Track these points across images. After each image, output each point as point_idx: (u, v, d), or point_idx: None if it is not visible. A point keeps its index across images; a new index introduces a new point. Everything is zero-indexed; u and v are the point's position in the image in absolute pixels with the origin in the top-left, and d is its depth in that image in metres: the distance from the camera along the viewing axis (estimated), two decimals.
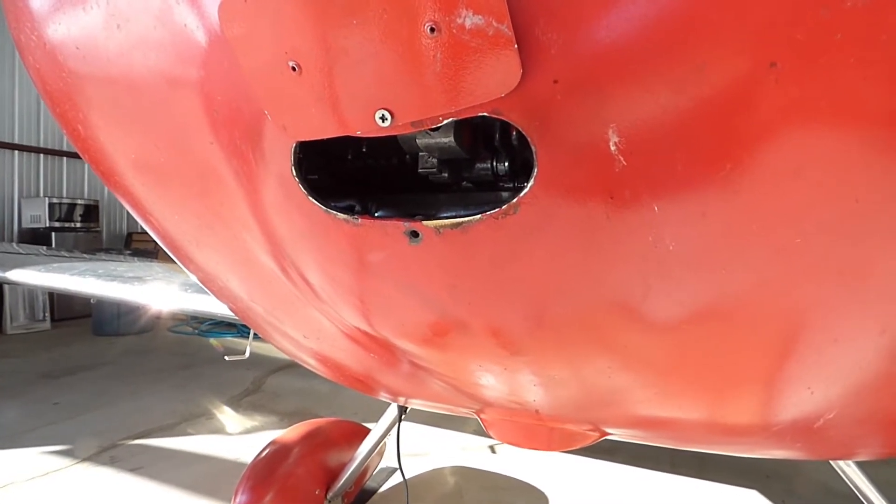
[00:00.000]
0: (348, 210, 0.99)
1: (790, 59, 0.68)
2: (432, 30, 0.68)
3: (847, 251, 0.88)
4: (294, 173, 0.96)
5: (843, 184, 0.79)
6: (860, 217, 0.82)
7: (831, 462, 2.51)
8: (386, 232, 0.95)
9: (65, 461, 4.13)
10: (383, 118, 0.76)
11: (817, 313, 1.01)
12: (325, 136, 0.83)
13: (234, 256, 1.35)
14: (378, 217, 0.97)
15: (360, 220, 0.96)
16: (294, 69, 0.77)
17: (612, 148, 0.77)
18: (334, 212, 0.97)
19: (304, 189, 0.97)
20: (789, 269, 0.91)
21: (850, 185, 0.79)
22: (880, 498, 2.44)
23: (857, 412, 1.28)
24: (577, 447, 1.67)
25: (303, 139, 0.88)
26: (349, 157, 1.13)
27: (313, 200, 0.97)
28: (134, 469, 4.01)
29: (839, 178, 0.78)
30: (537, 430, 1.65)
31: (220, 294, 1.67)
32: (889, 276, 0.92)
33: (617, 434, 1.66)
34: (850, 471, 2.47)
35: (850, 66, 0.68)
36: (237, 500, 2.93)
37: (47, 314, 9.85)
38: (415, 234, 0.93)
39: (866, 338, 1.04)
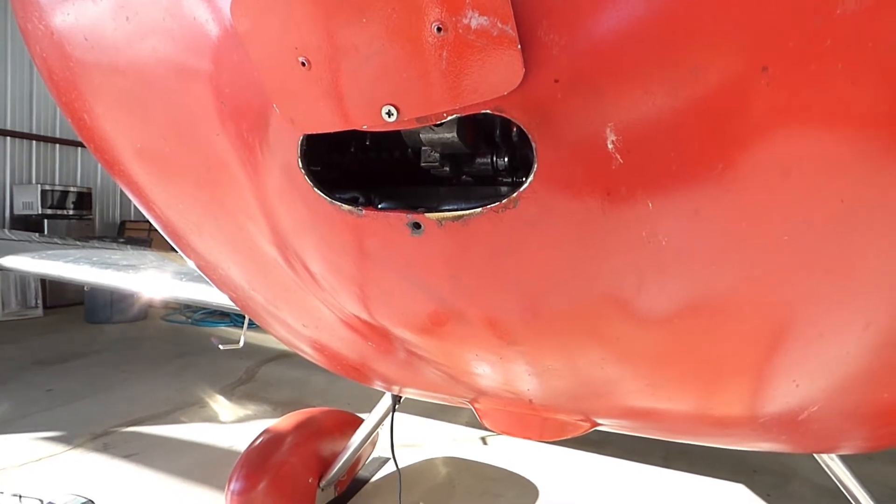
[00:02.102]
0: (352, 202, 1.02)
1: (782, 64, 0.71)
2: (439, 29, 0.71)
3: (833, 248, 0.91)
4: (300, 165, 0.98)
5: (829, 184, 0.82)
6: (846, 216, 0.86)
7: (816, 457, 2.55)
8: (389, 223, 0.98)
9: (58, 447, 4.13)
10: (389, 113, 0.79)
11: (804, 308, 1.04)
12: (332, 130, 0.85)
13: (236, 245, 1.37)
14: (381, 209, 1.00)
15: (363, 211, 0.99)
16: (303, 64, 0.79)
17: (610, 146, 0.80)
18: (339, 203, 1.00)
19: (310, 181, 0.99)
20: (777, 266, 0.94)
21: (837, 186, 0.82)
22: (864, 493, 2.48)
23: (840, 406, 1.32)
24: (569, 437, 1.70)
25: (310, 132, 0.91)
26: (353, 149, 1.15)
27: (318, 192, 1.00)
28: (127, 456, 4.02)
29: (826, 178, 0.81)
30: (530, 420, 1.68)
31: (221, 283, 1.69)
32: (873, 272, 0.95)
33: (608, 425, 1.70)
34: (834, 465, 2.50)
35: (838, 71, 0.71)
36: (231, 487, 2.95)
37: (39, 301, 9.82)
38: (417, 226, 0.96)
39: (851, 332, 1.08)
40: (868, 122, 0.76)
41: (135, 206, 1.60)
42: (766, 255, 0.93)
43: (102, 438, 4.32)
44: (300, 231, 1.14)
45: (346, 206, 0.99)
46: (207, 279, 1.75)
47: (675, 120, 0.77)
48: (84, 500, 3.12)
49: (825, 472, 2.56)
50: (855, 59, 0.70)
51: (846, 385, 1.24)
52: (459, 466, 4.07)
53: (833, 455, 2.47)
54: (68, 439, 4.28)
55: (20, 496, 3.13)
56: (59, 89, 1.25)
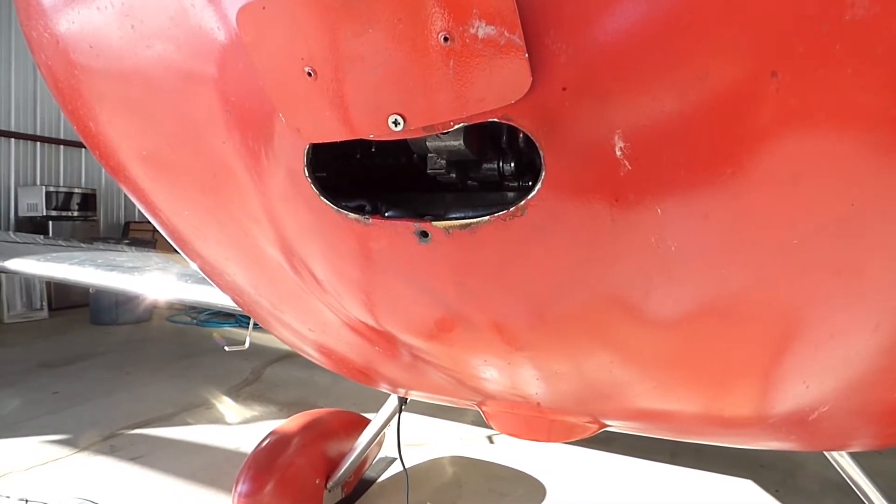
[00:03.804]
0: (358, 209, 1.01)
1: (790, 70, 0.71)
2: (446, 39, 0.70)
3: (843, 251, 0.91)
4: (307, 174, 0.98)
5: (839, 188, 0.82)
6: (855, 219, 0.85)
7: (825, 453, 2.55)
8: (396, 231, 0.98)
9: (64, 450, 4.14)
10: (396, 123, 0.79)
11: (814, 311, 1.04)
12: (338, 139, 0.85)
13: (242, 251, 1.37)
14: (388, 217, 1.00)
15: (370, 219, 0.98)
16: (310, 74, 0.79)
17: (618, 153, 0.80)
18: (346, 212, 1.00)
19: (317, 189, 0.99)
20: (787, 269, 0.94)
21: (846, 190, 0.82)
22: (872, 488, 2.48)
23: (850, 405, 1.32)
24: (577, 438, 1.70)
25: (317, 142, 0.91)
26: (359, 156, 1.15)
27: (325, 200, 1.00)
28: (134, 458, 4.03)
29: (835, 182, 0.81)
30: (538, 422, 1.68)
31: (227, 287, 1.69)
32: (883, 274, 0.95)
33: (616, 426, 1.69)
34: (843, 461, 2.50)
35: (847, 76, 0.71)
36: (238, 489, 2.95)
37: (45, 303, 9.83)
38: (424, 234, 0.96)
39: (861, 333, 1.07)
40: (877, 126, 0.76)
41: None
42: (776, 258, 0.92)
43: (109, 441, 4.33)
44: (306, 237, 1.14)
45: (352, 215, 0.99)
46: (212, 283, 1.76)
47: (683, 126, 0.77)
48: None
49: (833, 466, 2.56)
50: (864, 64, 0.70)
51: (856, 385, 1.23)
52: (466, 466, 4.07)
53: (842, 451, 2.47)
54: (74, 442, 4.29)
55: (26, 500, 3.14)
56: (65, 97, 1.25)
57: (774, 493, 3.77)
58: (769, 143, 0.77)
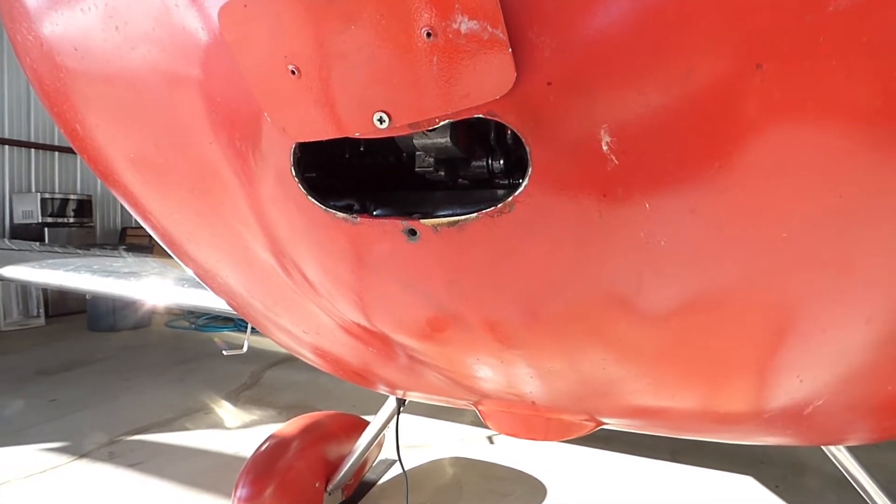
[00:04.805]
0: (347, 209, 1.01)
1: (776, 62, 0.71)
2: (429, 35, 0.70)
3: (832, 244, 0.91)
4: (294, 173, 0.98)
5: (826, 180, 0.81)
6: (843, 211, 0.85)
7: (823, 447, 2.54)
8: (384, 230, 0.98)
9: (63, 458, 4.13)
10: (381, 120, 0.78)
11: (805, 304, 1.04)
12: (324, 138, 0.85)
13: (233, 253, 1.36)
14: (376, 216, 0.99)
15: (358, 218, 0.98)
16: (293, 73, 0.78)
17: (605, 147, 0.79)
18: (333, 211, 0.99)
19: (304, 189, 0.99)
20: (777, 262, 0.94)
21: (833, 182, 0.82)
22: (870, 481, 2.48)
23: (844, 399, 1.31)
24: (574, 437, 1.69)
25: (302, 140, 0.90)
26: (347, 155, 1.15)
27: (313, 200, 0.99)
28: (133, 464, 4.01)
29: (823, 174, 0.81)
30: (534, 421, 1.68)
31: (219, 290, 1.69)
32: (873, 266, 0.95)
33: (613, 423, 1.69)
34: (841, 455, 2.50)
35: (832, 67, 0.70)
36: (237, 493, 2.95)
37: (41, 310, 9.81)
38: (413, 233, 0.95)
39: (853, 327, 1.07)
40: (863, 117, 0.75)
41: None
42: (765, 252, 0.92)
43: (108, 447, 4.32)
44: (296, 239, 1.14)
45: (340, 214, 0.99)
46: (206, 286, 1.75)
47: (669, 120, 0.77)
48: None
49: (832, 461, 2.56)
50: (848, 55, 0.70)
51: (850, 379, 1.23)
52: (466, 466, 4.07)
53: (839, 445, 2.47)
54: (73, 449, 4.27)
55: None
56: (51, 100, 1.25)
57: (774, 488, 3.76)
58: (755, 135, 0.76)
